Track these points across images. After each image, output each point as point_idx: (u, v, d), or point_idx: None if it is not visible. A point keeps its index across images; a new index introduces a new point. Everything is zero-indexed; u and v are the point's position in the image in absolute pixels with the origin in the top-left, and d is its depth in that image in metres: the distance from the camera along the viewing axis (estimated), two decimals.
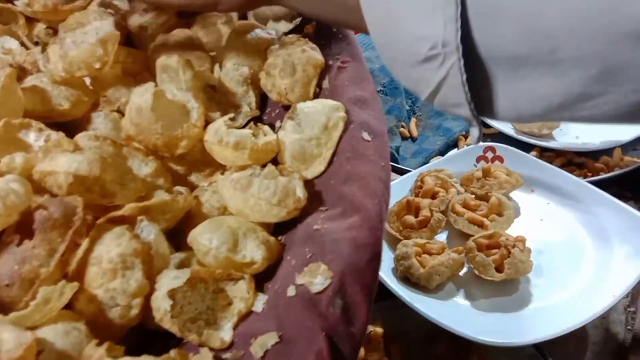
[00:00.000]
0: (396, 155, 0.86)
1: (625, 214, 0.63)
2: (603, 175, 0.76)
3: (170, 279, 0.35)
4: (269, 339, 0.32)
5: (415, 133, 0.96)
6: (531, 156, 0.74)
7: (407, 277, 0.59)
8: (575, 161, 0.85)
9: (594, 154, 0.85)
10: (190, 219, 0.43)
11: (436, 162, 0.75)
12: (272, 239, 0.39)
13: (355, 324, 0.32)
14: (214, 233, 0.37)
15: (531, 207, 0.68)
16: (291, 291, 0.34)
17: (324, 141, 0.43)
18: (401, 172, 0.76)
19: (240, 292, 0.37)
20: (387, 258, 0.63)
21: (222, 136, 0.42)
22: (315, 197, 0.42)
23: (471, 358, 0.54)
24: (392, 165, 0.79)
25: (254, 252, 0.37)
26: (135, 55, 0.53)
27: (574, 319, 0.52)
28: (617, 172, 0.77)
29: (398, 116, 0.96)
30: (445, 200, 0.67)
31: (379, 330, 0.57)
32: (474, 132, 0.33)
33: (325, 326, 0.31)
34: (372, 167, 0.41)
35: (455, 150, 0.87)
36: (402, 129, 0.96)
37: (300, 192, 0.40)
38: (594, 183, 0.74)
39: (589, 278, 0.58)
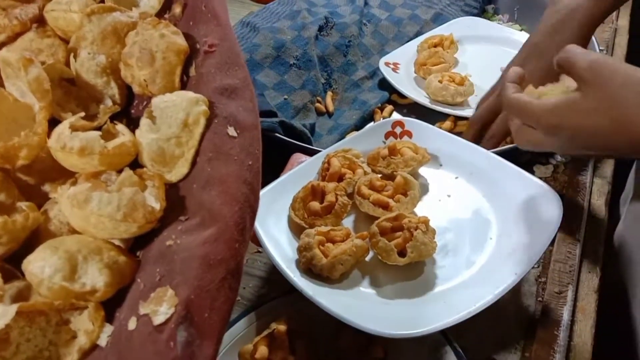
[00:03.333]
0: (309, 134, 0.82)
1: (530, 185, 0.61)
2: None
3: None
4: None
5: (331, 108, 0.92)
6: (440, 129, 0.72)
7: (310, 269, 0.56)
8: None
9: None
10: (38, 237, 0.38)
11: (343, 141, 0.71)
12: (122, 258, 0.34)
13: (199, 357, 0.28)
14: (46, 260, 0.32)
15: (439, 183, 0.66)
16: (132, 324, 0.30)
17: (184, 140, 0.39)
18: (312, 153, 0.72)
19: (84, 323, 0.32)
20: (292, 249, 0.59)
21: (65, 141, 0.37)
22: (177, 204, 0.37)
23: (376, 349, 0.52)
24: (304, 147, 0.75)
25: (95, 278, 0.32)
26: None
27: (475, 301, 0.50)
28: None
29: (313, 91, 0.92)
30: (351, 182, 0.64)
31: (283, 327, 0.54)
32: None
33: None
34: (236, 168, 0.37)
35: (370, 125, 0.84)
36: (317, 104, 0.92)
37: (154, 202, 0.35)
38: (507, 151, 0.72)
39: (493, 256, 0.57)
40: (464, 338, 0.57)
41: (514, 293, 0.63)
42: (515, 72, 0.54)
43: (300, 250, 0.57)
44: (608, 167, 0.79)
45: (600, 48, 0.92)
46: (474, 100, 0.85)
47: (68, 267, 0.32)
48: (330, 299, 0.53)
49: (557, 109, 0.47)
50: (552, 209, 0.58)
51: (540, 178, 0.64)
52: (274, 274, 0.65)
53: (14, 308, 0.31)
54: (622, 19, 1.08)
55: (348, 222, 0.64)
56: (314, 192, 0.63)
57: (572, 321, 0.60)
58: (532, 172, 0.74)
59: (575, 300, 0.62)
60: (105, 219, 0.33)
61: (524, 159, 0.78)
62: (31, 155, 0.39)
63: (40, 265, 0.32)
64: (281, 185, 0.65)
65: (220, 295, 0.30)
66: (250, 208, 0.35)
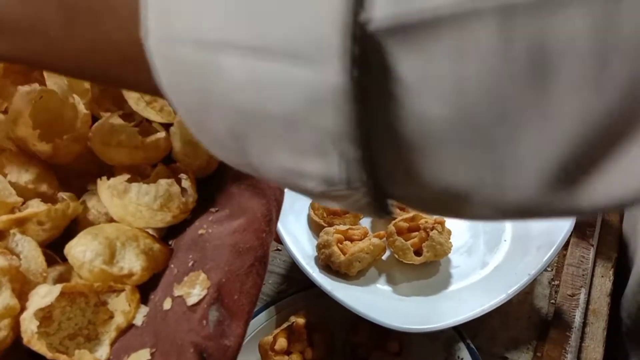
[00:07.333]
0: None
1: None
2: None
3: (40, 297, 0.33)
4: (141, 356, 0.30)
5: None
6: None
7: (328, 266, 0.58)
8: None
9: None
10: (78, 226, 0.41)
11: None
12: (156, 246, 0.37)
13: (230, 336, 0.30)
14: (88, 245, 0.35)
15: None
16: (167, 304, 0.32)
17: None
18: None
19: (121, 305, 0.35)
20: (312, 246, 0.62)
21: (105, 136, 0.40)
22: (208, 197, 0.40)
23: (391, 343, 0.54)
24: None
25: (132, 262, 0.35)
26: None
27: (489, 300, 0.52)
28: None
29: None
30: None
31: (301, 320, 0.56)
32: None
33: (195, 341, 0.29)
34: None
35: None
36: None
37: (187, 194, 0.38)
38: None
39: (507, 257, 0.58)
40: (478, 337, 0.59)
41: (527, 295, 0.64)
42: None
43: (320, 247, 0.59)
44: None
45: None
46: None
47: (108, 251, 0.35)
48: (347, 294, 0.55)
49: None
50: None
51: None
52: (292, 271, 0.67)
53: (58, 287, 0.33)
54: None
55: (366, 221, 0.66)
56: None
57: (584, 323, 0.61)
58: None
59: (587, 303, 0.63)
60: (143, 208, 0.36)
61: None
62: (75, 149, 0.41)
63: (82, 250, 0.35)
64: None
65: (249, 280, 0.33)
66: (276, 201, 0.38)
